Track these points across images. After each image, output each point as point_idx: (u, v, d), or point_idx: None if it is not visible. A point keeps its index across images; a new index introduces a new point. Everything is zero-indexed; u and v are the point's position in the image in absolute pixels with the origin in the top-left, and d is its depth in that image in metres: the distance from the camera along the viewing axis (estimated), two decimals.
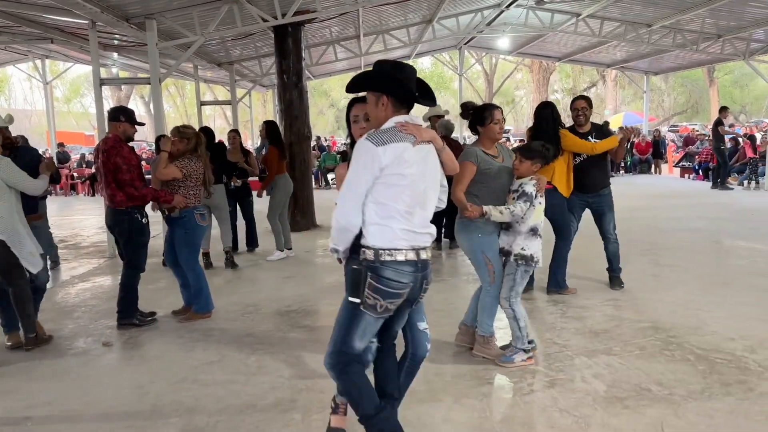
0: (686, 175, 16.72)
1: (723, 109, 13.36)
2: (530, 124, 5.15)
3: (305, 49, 10.33)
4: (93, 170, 16.63)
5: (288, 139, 8.81)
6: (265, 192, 7.31)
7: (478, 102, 4.69)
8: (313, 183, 11.20)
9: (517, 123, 42.80)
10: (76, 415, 3.22)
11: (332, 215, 2.46)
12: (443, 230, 7.55)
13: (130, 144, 4.68)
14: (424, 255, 2.45)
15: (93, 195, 17.04)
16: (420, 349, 2.71)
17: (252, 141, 20.05)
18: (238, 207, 7.48)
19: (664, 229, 8.35)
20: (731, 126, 16.36)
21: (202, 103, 15.46)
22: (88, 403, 3.36)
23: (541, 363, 3.66)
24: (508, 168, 3.67)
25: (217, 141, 7.40)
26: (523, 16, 14.28)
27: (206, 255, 6.80)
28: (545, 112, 4.87)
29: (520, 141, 20.16)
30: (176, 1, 7.56)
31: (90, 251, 8.18)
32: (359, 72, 2.59)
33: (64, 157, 18.02)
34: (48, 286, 4.67)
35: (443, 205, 2.73)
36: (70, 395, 3.47)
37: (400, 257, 2.38)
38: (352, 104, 2.89)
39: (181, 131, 4.83)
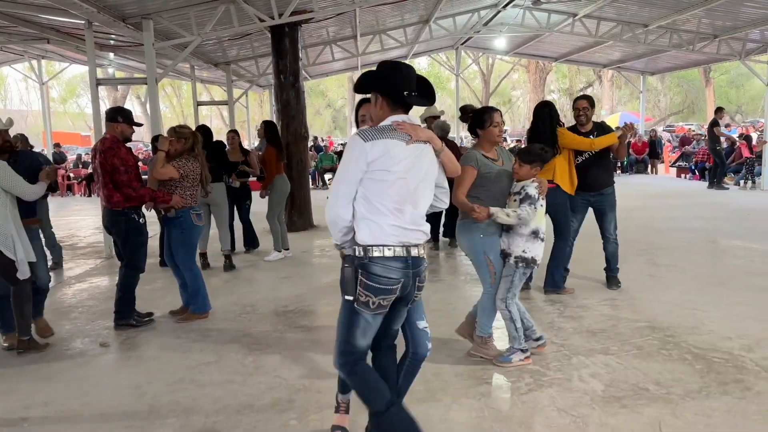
0: (682, 175, 16.78)
1: (719, 110, 13.36)
2: (527, 124, 5.17)
3: (302, 49, 10.29)
4: (89, 170, 16.59)
5: (285, 139, 8.80)
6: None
7: (476, 104, 4.69)
8: (310, 183, 11.17)
9: (513, 123, 42.80)
10: (74, 416, 3.21)
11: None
12: (442, 229, 7.56)
13: (127, 144, 4.67)
14: (414, 252, 2.46)
15: (89, 195, 16.99)
16: (420, 348, 2.71)
17: (249, 141, 20.04)
18: (234, 209, 7.45)
19: (660, 229, 8.36)
20: (727, 126, 16.39)
21: (199, 104, 15.48)
22: (86, 403, 3.35)
23: (538, 363, 3.67)
24: (508, 171, 3.67)
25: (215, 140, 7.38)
26: (519, 16, 14.28)
27: (203, 255, 6.79)
28: (543, 111, 4.89)
29: (517, 141, 20.20)
30: (173, 0, 7.54)
31: (87, 252, 8.17)
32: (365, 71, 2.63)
33: (60, 158, 17.95)
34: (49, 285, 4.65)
35: (445, 206, 2.74)
36: (68, 396, 3.46)
37: (389, 253, 2.39)
38: (360, 104, 2.97)
39: (177, 131, 4.82)
